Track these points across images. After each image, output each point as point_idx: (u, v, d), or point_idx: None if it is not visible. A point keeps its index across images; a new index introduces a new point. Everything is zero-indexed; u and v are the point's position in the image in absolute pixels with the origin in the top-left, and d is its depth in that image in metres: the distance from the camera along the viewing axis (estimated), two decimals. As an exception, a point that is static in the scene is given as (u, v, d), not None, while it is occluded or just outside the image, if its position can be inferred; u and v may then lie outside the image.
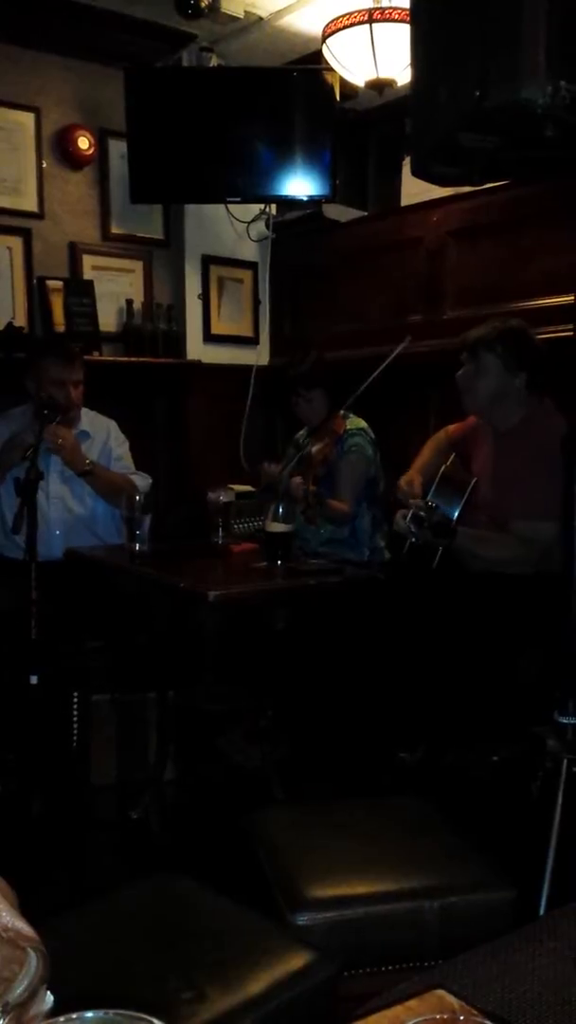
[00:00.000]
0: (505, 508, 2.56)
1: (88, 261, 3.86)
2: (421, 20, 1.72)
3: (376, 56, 3.09)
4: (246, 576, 2.60)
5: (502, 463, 2.65)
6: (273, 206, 4.10)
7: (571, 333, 2.94)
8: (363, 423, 3.22)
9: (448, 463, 2.63)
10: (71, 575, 2.90)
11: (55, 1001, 0.69)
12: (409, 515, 2.49)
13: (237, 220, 4.13)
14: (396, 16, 3.00)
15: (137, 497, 2.79)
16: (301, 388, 3.25)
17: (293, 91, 3.64)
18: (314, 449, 3.05)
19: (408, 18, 2.10)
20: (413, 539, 2.49)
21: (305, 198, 3.76)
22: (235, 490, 3.15)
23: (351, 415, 3.22)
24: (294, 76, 3.67)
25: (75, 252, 3.83)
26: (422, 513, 2.48)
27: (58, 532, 3.10)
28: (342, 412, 3.11)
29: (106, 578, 2.89)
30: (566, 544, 1.95)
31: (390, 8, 3.04)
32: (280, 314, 4.28)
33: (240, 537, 3.06)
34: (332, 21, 3.12)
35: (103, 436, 3.28)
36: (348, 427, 3.16)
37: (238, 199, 3.87)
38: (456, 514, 2.48)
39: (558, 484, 2.52)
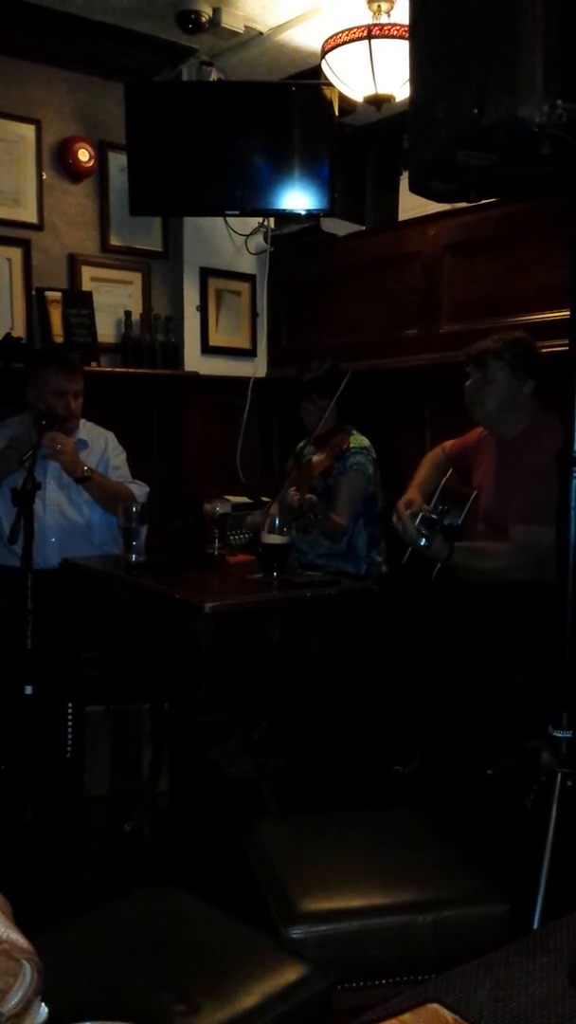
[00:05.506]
0: (506, 514, 2.56)
1: (87, 272, 3.88)
2: (420, 37, 1.74)
3: (375, 72, 3.11)
4: (242, 587, 2.60)
5: (505, 471, 2.65)
6: (271, 219, 4.12)
7: (567, 347, 2.94)
8: (366, 441, 3.21)
9: (447, 477, 2.63)
10: (66, 585, 2.89)
11: (49, 1013, 0.69)
12: (419, 518, 2.46)
13: (235, 233, 4.15)
14: (395, 32, 3.03)
15: (133, 508, 2.79)
16: (315, 395, 3.21)
17: (292, 106, 3.66)
18: (314, 459, 3.05)
19: (407, 35, 2.12)
20: (422, 541, 2.45)
21: (303, 212, 3.78)
22: (231, 501, 3.14)
23: (355, 432, 3.21)
24: (293, 91, 3.69)
25: (74, 263, 3.85)
26: (433, 516, 2.45)
27: (54, 539, 3.09)
28: (346, 427, 3.11)
29: (101, 588, 2.88)
30: (560, 557, 1.95)
31: (389, 24, 3.07)
32: (277, 327, 4.30)
33: (236, 548, 3.06)
34: (331, 37, 3.15)
35: (101, 446, 3.29)
36: (351, 444, 3.15)
37: (236, 212, 3.89)
38: (458, 526, 2.48)
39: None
